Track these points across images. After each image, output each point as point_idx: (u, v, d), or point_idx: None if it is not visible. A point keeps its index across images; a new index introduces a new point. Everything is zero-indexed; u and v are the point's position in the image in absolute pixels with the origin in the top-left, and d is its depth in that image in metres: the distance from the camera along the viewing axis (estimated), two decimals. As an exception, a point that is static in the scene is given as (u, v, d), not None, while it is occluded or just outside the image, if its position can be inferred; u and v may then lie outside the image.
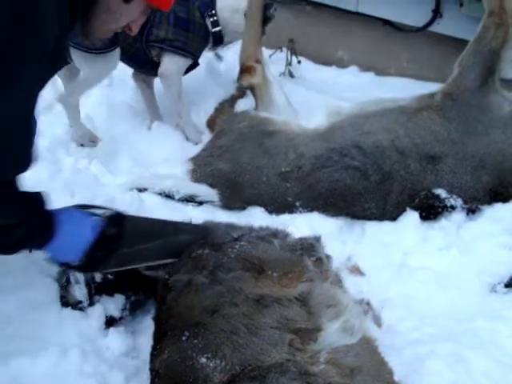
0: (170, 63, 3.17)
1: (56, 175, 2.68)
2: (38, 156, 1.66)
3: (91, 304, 2.03)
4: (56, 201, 1.83)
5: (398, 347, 1.96)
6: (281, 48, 4.05)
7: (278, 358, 1.56)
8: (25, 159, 1.60)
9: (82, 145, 3.18)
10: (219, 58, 3.95)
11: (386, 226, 2.56)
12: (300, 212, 2.69)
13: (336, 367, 1.55)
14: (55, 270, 2.05)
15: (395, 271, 2.33)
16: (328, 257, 2.07)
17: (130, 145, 3.20)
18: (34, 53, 1.50)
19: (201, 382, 1.56)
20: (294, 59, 3.92)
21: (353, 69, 4.00)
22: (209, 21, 3.19)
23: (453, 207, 2.50)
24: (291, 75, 3.82)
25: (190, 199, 2.82)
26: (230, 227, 2.12)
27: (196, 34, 3.16)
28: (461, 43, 2.97)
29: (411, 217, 2.53)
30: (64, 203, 1.89)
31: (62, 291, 2.04)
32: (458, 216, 2.49)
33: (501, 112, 2.58)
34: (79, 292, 2.01)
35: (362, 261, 2.39)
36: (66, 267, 1.93)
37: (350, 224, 2.64)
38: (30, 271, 2.10)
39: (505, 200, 2.49)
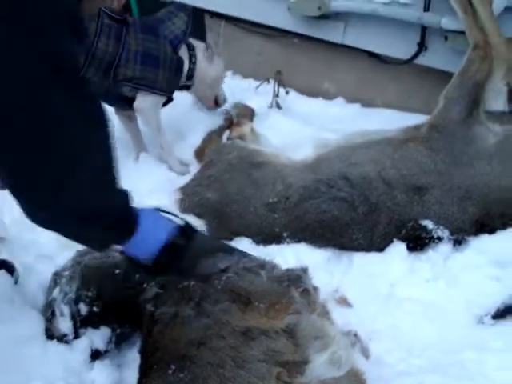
0: (144, 100, 3.15)
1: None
2: None
3: (76, 337, 2.00)
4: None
5: (386, 379, 1.94)
6: (268, 79, 4.09)
7: (266, 391, 1.54)
8: None
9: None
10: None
11: (374, 257, 2.55)
12: (287, 243, 2.67)
13: (324, 400, 1.54)
14: (40, 302, 2.04)
15: (382, 302, 2.31)
16: (315, 288, 2.06)
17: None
18: None
19: (187, 416, 1.54)
20: (282, 90, 3.95)
21: (339, 100, 4.01)
22: (187, 61, 3.23)
23: (440, 238, 2.49)
24: (278, 106, 3.85)
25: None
26: (218, 257, 2.11)
27: (168, 69, 3.12)
28: (446, 75, 2.99)
29: (398, 248, 2.52)
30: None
31: (47, 324, 2.02)
32: (445, 247, 2.48)
33: (486, 144, 2.59)
34: (64, 325, 1.99)
35: (350, 292, 2.37)
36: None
37: (338, 255, 2.63)
38: (15, 304, 2.08)
39: (491, 231, 2.48)
